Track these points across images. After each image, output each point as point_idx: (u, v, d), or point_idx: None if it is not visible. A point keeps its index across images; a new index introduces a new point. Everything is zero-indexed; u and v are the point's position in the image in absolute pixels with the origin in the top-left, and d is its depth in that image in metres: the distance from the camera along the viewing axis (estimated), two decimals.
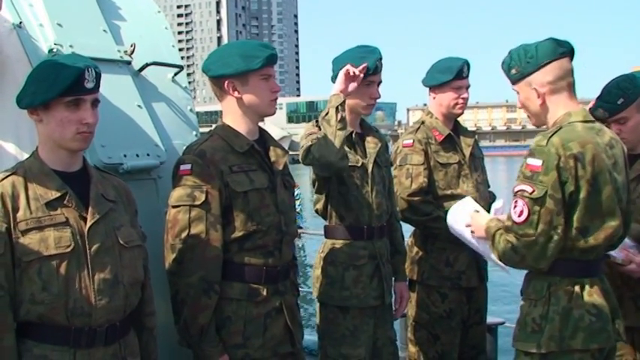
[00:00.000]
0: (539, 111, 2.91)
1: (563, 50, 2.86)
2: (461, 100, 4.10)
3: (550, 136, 2.76)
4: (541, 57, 2.86)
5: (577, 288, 2.80)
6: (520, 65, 2.89)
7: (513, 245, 2.78)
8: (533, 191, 2.72)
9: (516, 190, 2.79)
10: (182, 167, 2.87)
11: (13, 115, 2.70)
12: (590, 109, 3.58)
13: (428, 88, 4.20)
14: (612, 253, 3.14)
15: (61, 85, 2.29)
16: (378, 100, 3.71)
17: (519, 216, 2.75)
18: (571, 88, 2.89)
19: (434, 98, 4.17)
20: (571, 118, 2.83)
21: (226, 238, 2.87)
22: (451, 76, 4.05)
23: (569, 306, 2.78)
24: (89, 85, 2.35)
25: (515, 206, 2.77)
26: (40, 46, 2.97)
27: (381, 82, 3.64)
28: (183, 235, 2.80)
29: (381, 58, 3.59)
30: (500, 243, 2.84)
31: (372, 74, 3.54)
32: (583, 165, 2.72)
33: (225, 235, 2.86)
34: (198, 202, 2.81)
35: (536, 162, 2.75)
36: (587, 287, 2.81)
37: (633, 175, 3.45)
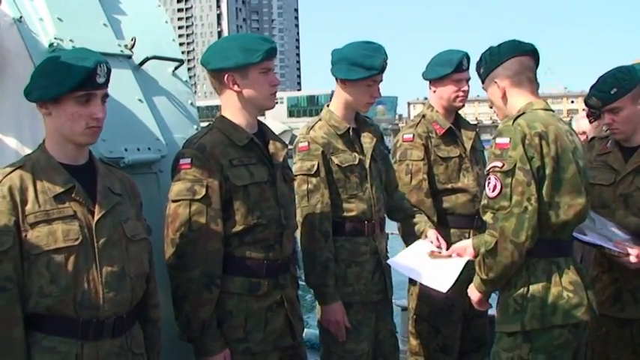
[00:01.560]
0: (502, 104, 3.11)
1: (524, 49, 3.08)
2: (461, 93, 4.09)
3: (515, 118, 2.96)
4: (502, 54, 3.09)
5: (553, 267, 2.95)
6: (486, 64, 3.13)
7: (492, 223, 2.91)
8: (503, 165, 2.88)
9: (488, 168, 2.97)
10: (182, 161, 2.87)
11: (14, 109, 2.70)
12: (585, 98, 3.61)
13: (428, 82, 4.19)
14: (609, 246, 3.20)
15: (74, 79, 2.30)
16: None
17: (493, 191, 2.90)
18: (532, 84, 3.09)
19: (434, 92, 4.16)
20: (533, 106, 3.01)
21: (227, 232, 2.87)
22: (451, 68, 4.04)
23: (548, 285, 2.93)
24: (100, 80, 2.37)
25: (488, 183, 2.94)
26: (41, 41, 2.97)
27: (382, 80, 3.61)
28: (184, 229, 2.80)
29: (386, 58, 3.55)
30: (485, 236, 2.97)
31: (377, 74, 3.53)
32: (547, 142, 2.89)
33: (226, 229, 2.86)
34: (198, 197, 2.81)
35: (504, 140, 2.92)
36: (562, 266, 2.97)
37: (629, 169, 3.49)
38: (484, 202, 2.96)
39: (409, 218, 3.83)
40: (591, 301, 3.00)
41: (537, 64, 3.15)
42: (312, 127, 3.61)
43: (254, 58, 2.89)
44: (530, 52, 3.10)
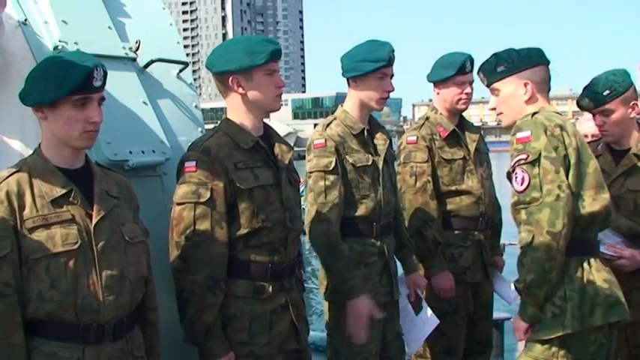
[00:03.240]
0: (521, 106, 3.02)
1: (548, 60, 3.07)
2: (464, 96, 4.09)
3: (533, 114, 2.93)
4: (534, 58, 3.04)
5: (585, 265, 2.87)
6: (511, 62, 3.03)
7: (526, 219, 2.81)
8: (528, 156, 2.82)
9: (513, 163, 2.88)
10: (187, 164, 2.85)
11: (19, 111, 2.70)
12: (577, 99, 3.61)
13: (432, 84, 4.20)
14: (602, 249, 3.16)
15: (70, 83, 2.29)
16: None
17: (521, 184, 2.82)
18: (547, 94, 3.07)
19: (438, 94, 4.17)
20: (546, 110, 2.98)
21: (232, 235, 2.86)
22: (454, 71, 4.05)
23: (583, 283, 2.84)
24: (97, 83, 2.35)
25: (515, 178, 2.85)
26: (45, 43, 2.98)
27: (393, 75, 3.61)
28: (189, 232, 2.79)
29: (393, 51, 3.56)
30: (522, 234, 2.85)
31: (385, 66, 3.52)
32: (568, 134, 2.86)
33: (231, 232, 2.85)
34: (203, 200, 2.80)
35: (524, 134, 2.86)
36: (593, 264, 2.89)
37: (619, 172, 3.51)
38: (514, 199, 2.87)
39: (402, 247, 3.85)
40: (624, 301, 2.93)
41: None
42: (329, 124, 3.60)
43: (258, 60, 2.88)
44: (548, 64, 3.08)
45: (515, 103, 3.04)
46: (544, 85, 3.04)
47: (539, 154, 2.80)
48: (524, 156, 2.83)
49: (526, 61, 3.03)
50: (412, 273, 3.90)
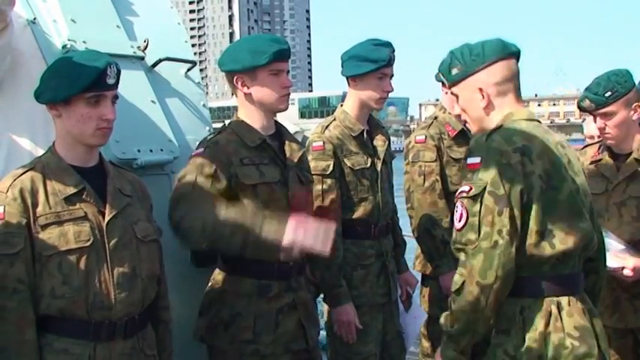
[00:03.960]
0: (481, 115, 2.57)
1: (511, 51, 2.57)
2: None
3: (490, 133, 2.46)
4: (488, 55, 2.54)
5: (553, 308, 2.40)
6: (464, 64, 2.56)
7: (462, 261, 2.40)
8: (470, 189, 2.39)
9: (457, 194, 2.47)
10: (196, 151, 2.86)
11: (28, 110, 2.71)
12: (578, 100, 3.51)
13: (440, 83, 4.18)
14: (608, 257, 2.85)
15: (84, 81, 2.31)
16: (390, 95, 3.67)
17: (459, 221, 2.40)
18: (516, 91, 2.58)
19: (446, 93, 4.15)
20: (513, 117, 2.51)
21: None
22: None
23: (547, 330, 2.37)
24: (110, 81, 2.38)
25: (456, 212, 2.44)
26: (54, 42, 2.99)
27: (392, 75, 3.60)
28: (183, 180, 2.74)
29: (393, 50, 3.55)
30: (455, 276, 2.44)
31: (384, 66, 3.52)
32: (531, 159, 2.38)
33: None
34: (206, 172, 2.77)
35: (474, 160, 2.43)
36: (564, 306, 2.41)
37: (621, 177, 3.40)
38: (453, 236, 2.44)
39: (395, 247, 3.84)
40: (603, 350, 2.45)
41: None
42: (327, 126, 3.60)
43: (260, 61, 2.87)
44: (516, 55, 2.59)
45: (475, 112, 2.58)
46: (508, 84, 2.54)
47: (484, 189, 2.35)
48: (466, 188, 2.40)
49: (478, 60, 2.54)
50: (404, 272, 3.92)
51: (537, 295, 2.41)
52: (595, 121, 3.46)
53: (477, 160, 2.41)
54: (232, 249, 2.67)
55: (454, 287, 2.43)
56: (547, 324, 2.38)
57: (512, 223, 2.33)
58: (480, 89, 2.53)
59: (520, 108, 2.56)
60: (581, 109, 3.52)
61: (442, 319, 2.52)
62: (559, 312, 2.40)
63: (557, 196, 2.39)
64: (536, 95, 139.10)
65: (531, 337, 2.37)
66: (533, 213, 2.36)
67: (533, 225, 2.36)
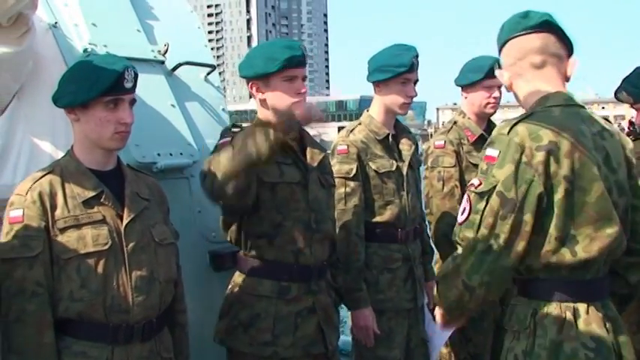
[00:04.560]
0: (522, 101, 2.38)
1: (526, 25, 2.32)
2: (492, 100, 4.06)
3: (515, 124, 2.24)
4: (503, 36, 2.38)
5: (569, 315, 2.21)
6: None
7: (453, 254, 2.30)
8: (480, 185, 2.22)
9: (468, 185, 2.34)
10: (222, 140, 2.74)
11: (49, 114, 2.73)
12: (615, 91, 3.41)
13: (460, 88, 4.17)
14: None
15: (102, 84, 2.32)
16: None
17: (462, 214, 2.27)
18: (539, 68, 2.33)
19: (465, 98, 4.14)
20: (547, 102, 2.29)
21: (256, 233, 2.87)
22: (482, 74, 4.01)
23: (559, 338, 2.18)
24: (128, 85, 2.38)
25: (462, 204, 2.31)
26: (75, 46, 3.01)
27: (417, 80, 3.60)
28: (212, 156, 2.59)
29: (417, 56, 3.55)
30: (447, 260, 2.37)
31: (407, 72, 3.51)
32: (557, 159, 2.16)
33: (254, 228, 2.86)
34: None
35: (493, 152, 2.23)
36: (582, 314, 2.21)
37: None
38: (455, 228, 2.32)
39: (422, 254, 3.81)
40: None
41: (564, 41, 2.36)
42: (352, 130, 3.61)
43: (272, 68, 2.86)
44: (538, 28, 2.31)
45: (518, 100, 2.42)
46: (520, 62, 2.34)
47: (494, 187, 2.18)
48: (476, 182, 2.24)
49: (498, 43, 2.40)
50: (431, 280, 3.87)
51: (552, 299, 2.24)
52: (635, 115, 3.35)
53: (495, 153, 2.22)
54: (252, 155, 2.40)
55: (442, 271, 2.36)
56: (560, 331, 2.19)
57: (514, 231, 2.16)
58: (503, 73, 2.40)
59: (555, 89, 2.32)
60: (618, 99, 3.42)
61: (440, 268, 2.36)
62: (575, 319, 2.20)
63: (584, 198, 2.18)
64: None
65: (541, 344, 2.20)
66: (554, 218, 2.17)
67: (553, 230, 2.18)
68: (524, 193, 2.15)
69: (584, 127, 2.26)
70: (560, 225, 2.18)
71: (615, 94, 3.42)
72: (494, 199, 2.17)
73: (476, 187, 2.23)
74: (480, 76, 4.02)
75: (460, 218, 2.27)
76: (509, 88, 2.42)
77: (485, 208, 2.18)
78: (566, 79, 2.37)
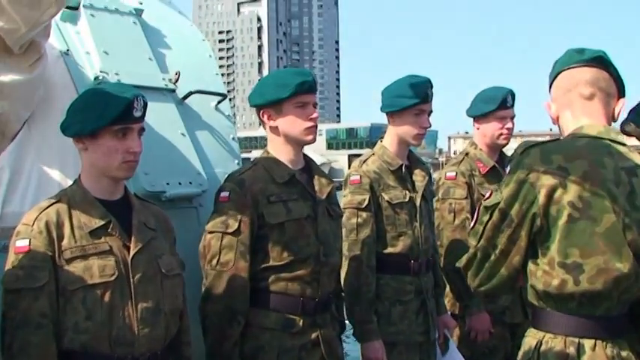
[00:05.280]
0: (560, 129, 2.45)
1: (579, 58, 2.38)
2: (505, 131, 4.03)
3: (531, 146, 2.31)
4: (556, 69, 2.44)
5: (572, 350, 2.16)
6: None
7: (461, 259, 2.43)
8: (489, 197, 2.32)
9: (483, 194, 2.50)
10: (222, 194, 2.88)
11: (59, 142, 2.71)
12: (621, 122, 3.36)
13: (472, 119, 4.15)
14: None
15: (111, 113, 2.31)
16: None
17: (471, 221, 2.41)
18: (587, 100, 2.36)
19: (478, 129, 4.12)
20: (580, 132, 2.32)
21: (263, 267, 2.85)
22: (495, 105, 3.99)
23: None
24: (137, 114, 2.37)
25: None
26: (87, 74, 3.01)
27: (432, 111, 3.59)
28: (214, 261, 2.82)
29: (431, 87, 3.55)
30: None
31: (421, 103, 3.50)
32: (564, 184, 2.17)
33: (262, 263, 2.85)
34: (230, 230, 2.81)
35: (508, 169, 2.38)
36: (587, 350, 2.15)
37: None
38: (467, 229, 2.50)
39: (435, 287, 3.77)
40: None
41: (615, 80, 2.41)
42: (365, 161, 3.60)
43: (284, 94, 2.88)
44: (590, 63, 2.37)
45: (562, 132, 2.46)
46: (568, 94, 2.39)
47: (497, 204, 2.27)
48: (488, 193, 2.35)
49: (550, 76, 2.47)
50: (442, 314, 3.83)
51: (558, 332, 2.21)
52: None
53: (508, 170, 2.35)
54: None
55: (463, 262, 2.42)
56: None
57: (510, 243, 2.26)
58: (549, 104, 2.48)
59: (593, 121, 2.35)
60: (625, 133, 3.38)
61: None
62: (578, 355, 2.15)
63: (594, 228, 2.15)
64: (550, 130, 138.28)
65: None
66: (556, 242, 2.18)
67: (555, 255, 2.18)
68: (525, 212, 2.22)
69: (608, 159, 2.23)
70: (562, 250, 2.17)
71: (622, 126, 3.36)
72: (496, 215, 2.27)
73: (485, 200, 2.34)
74: (492, 107, 4.00)
75: (470, 225, 2.41)
76: (555, 121, 2.47)
77: (488, 221, 2.30)
78: (613, 118, 2.42)
